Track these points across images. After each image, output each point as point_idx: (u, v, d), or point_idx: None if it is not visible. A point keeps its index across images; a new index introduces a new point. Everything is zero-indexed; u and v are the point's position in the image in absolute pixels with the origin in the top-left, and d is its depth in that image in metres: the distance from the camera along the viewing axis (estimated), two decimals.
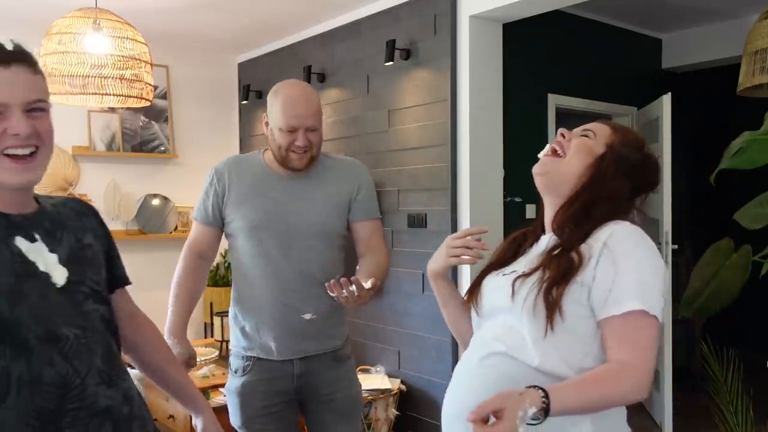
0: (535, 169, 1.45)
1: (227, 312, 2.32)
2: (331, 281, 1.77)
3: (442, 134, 3.61)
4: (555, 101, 4.35)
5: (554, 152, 1.43)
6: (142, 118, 4.86)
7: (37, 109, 1.20)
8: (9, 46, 1.18)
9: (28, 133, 1.17)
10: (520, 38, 3.99)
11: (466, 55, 3.52)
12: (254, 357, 2.13)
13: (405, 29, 3.82)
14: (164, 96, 5.02)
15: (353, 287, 1.75)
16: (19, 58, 1.18)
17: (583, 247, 1.31)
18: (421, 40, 3.74)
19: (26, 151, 1.19)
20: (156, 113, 4.95)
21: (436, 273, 1.54)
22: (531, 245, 1.48)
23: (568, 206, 1.39)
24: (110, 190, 4.71)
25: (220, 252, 5.09)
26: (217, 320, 3.85)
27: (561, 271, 1.29)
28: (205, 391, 3.31)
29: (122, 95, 2.99)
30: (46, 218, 1.28)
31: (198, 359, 3.71)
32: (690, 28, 5.09)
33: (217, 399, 3.40)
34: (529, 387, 1.17)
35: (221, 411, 3.33)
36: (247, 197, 2.13)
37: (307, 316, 2.08)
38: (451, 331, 1.60)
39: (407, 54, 3.78)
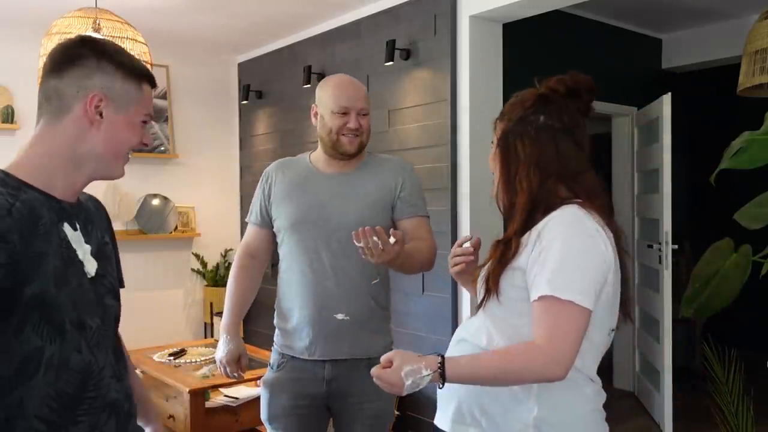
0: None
1: None
2: (359, 229, 1.75)
3: (442, 134, 3.61)
4: None
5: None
6: None
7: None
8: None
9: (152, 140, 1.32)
10: (520, 38, 3.99)
11: (466, 55, 3.52)
12: (289, 355, 2.14)
13: (405, 29, 3.82)
14: (164, 96, 5.02)
15: (376, 238, 1.72)
16: (155, 84, 1.38)
17: (525, 236, 1.40)
18: (421, 40, 3.74)
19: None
20: (156, 113, 4.94)
21: (456, 279, 1.67)
22: None
23: (506, 199, 1.48)
24: (110, 189, 4.71)
25: (220, 252, 5.17)
26: (217, 320, 3.85)
27: (497, 258, 1.41)
28: (205, 391, 3.31)
29: None
30: (83, 210, 1.33)
31: (198, 359, 3.74)
32: (690, 28, 5.09)
33: (217, 399, 3.40)
34: (436, 354, 1.33)
35: (219, 411, 3.35)
36: (290, 194, 2.15)
37: (339, 316, 2.05)
38: None
39: (407, 54, 3.78)
